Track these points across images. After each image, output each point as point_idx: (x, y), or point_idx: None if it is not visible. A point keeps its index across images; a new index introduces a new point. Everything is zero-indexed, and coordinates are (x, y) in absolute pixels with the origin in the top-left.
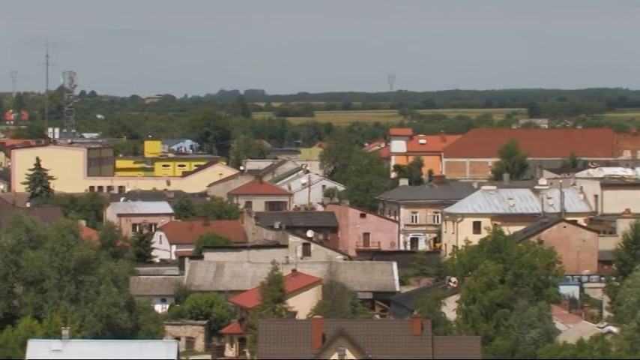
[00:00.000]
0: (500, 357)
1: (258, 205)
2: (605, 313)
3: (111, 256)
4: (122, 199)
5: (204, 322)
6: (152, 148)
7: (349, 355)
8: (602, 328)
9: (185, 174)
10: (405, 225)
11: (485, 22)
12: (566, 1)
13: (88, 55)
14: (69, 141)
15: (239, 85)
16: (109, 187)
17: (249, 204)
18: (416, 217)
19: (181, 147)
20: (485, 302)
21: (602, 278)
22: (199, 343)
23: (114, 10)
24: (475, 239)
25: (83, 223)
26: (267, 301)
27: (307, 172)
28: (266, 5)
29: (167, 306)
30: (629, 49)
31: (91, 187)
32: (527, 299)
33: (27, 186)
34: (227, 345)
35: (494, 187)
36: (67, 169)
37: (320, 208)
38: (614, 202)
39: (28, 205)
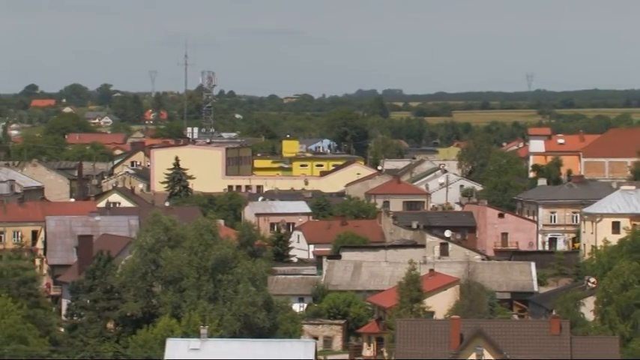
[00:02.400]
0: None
1: (396, 204)
2: None
3: (249, 255)
4: (260, 198)
5: (342, 321)
6: (290, 147)
7: (487, 355)
8: None
9: (323, 173)
10: (544, 225)
11: (624, 21)
12: None
13: (227, 55)
14: (207, 140)
15: (377, 85)
16: (247, 187)
17: (386, 203)
18: (554, 217)
19: (319, 146)
20: (622, 303)
21: None
22: (337, 343)
23: (253, 10)
24: (614, 239)
25: (221, 222)
26: (405, 301)
27: (445, 171)
28: (404, 5)
29: (305, 305)
30: None
31: (230, 187)
32: None
33: (166, 185)
34: (365, 344)
35: (634, 187)
36: (206, 168)
37: (458, 208)
38: None
39: (166, 204)
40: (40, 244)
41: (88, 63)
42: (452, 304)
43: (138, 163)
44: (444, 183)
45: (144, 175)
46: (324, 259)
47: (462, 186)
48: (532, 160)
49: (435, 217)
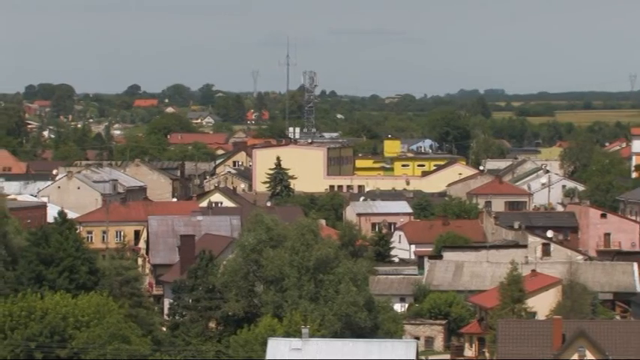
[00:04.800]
0: None
1: (498, 204)
2: None
3: (350, 255)
4: (361, 198)
5: (444, 321)
6: (391, 147)
7: (589, 355)
8: None
9: (424, 173)
10: None
11: None
12: None
13: (329, 55)
14: (309, 140)
15: (479, 85)
16: (349, 187)
17: (488, 204)
18: None
19: (421, 146)
20: None
21: None
22: (438, 343)
23: (354, 10)
24: None
25: (323, 222)
26: (507, 301)
27: (547, 171)
28: (506, 5)
29: (406, 305)
30: None
31: (331, 187)
32: None
33: (268, 185)
34: (466, 345)
35: None
36: (307, 168)
37: (560, 208)
38: None
39: (268, 204)
40: (142, 244)
41: (190, 63)
42: (554, 304)
43: (240, 163)
44: (546, 183)
45: (246, 174)
46: (426, 259)
47: (564, 186)
48: (635, 160)
49: (536, 217)
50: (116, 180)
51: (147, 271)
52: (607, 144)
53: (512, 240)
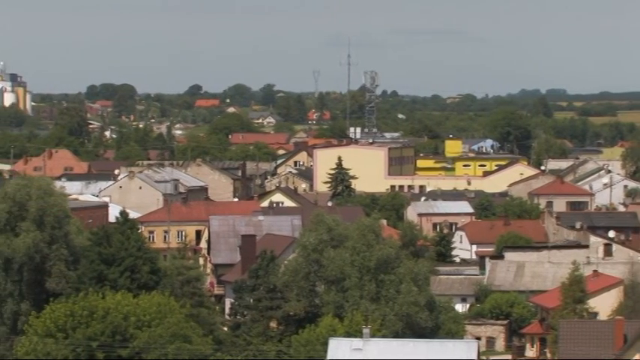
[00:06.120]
0: None
1: (559, 204)
2: None
3: (411, 255)
4: (423, 198)
5: (505, 322)
6: (453, 147)
7: None
8: None
9: (486, 173)
10: None
11: None
12: None
13: (390, 55)
14: (370, 140)
15: (540, 85)
16: (410, 187)
17: (550, 204)
18: None
19: (482, 146)
20: None
21: None
22: (500, 343)
23: (415, 10)
24: None
25: (384, 222)
26: (568, 302)
27: (609, 171)
28: (568, 3)
29: (467, 305)
30: None
31: (392, 187)
32: None
33: (329, 185)
34: (528, 345)
35: None
36: (368, 168)
37: (622, 209)
38: None
39: (329, 204)
40: (203, 244)
41: (251, 63)
42: (615, 305)
43: (301, 163)
44: (608, 183)
45: (307, 174)
46: (487, 260)
47: (625, 186)
48: None
49: (598, 217)
50: (177, 180)
51: (208, 270)
52: None
53: (573, 240)
